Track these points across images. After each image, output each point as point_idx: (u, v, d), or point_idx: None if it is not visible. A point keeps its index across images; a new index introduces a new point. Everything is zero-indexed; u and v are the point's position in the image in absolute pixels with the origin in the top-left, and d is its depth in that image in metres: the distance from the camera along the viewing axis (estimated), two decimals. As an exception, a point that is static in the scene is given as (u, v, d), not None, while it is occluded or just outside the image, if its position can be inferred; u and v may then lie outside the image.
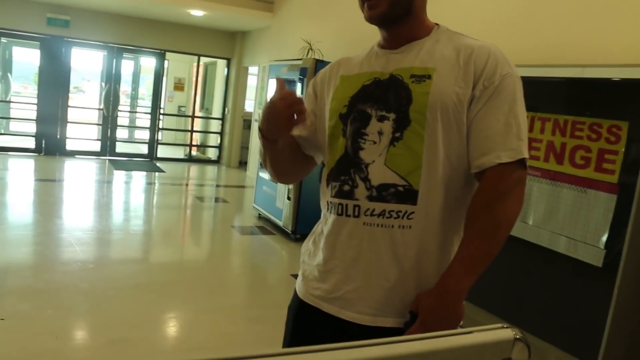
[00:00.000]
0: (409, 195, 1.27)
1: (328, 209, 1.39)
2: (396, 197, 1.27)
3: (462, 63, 1.27)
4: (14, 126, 12.11)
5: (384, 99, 1.31)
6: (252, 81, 10.98)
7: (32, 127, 10.22)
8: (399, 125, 1.28)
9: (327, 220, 1.39)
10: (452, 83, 1.26)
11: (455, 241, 1.34)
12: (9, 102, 11.46)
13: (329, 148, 1.41)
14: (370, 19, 1.34)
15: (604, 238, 2.71)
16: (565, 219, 2.92)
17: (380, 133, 1.29)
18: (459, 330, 0.63)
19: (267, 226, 6.47)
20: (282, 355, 0.51)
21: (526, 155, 1.24)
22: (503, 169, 1.22)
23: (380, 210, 1.28)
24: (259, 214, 6.81)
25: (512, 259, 3.26)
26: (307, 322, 1.43)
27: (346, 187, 1.33)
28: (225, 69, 11.42)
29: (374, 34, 1.45)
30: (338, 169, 1.36)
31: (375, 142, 1.30)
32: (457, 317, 1.23)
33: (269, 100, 1.33)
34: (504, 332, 0.64)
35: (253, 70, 10.69)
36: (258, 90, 9.63)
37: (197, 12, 9.11)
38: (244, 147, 10.93)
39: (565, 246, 2.89)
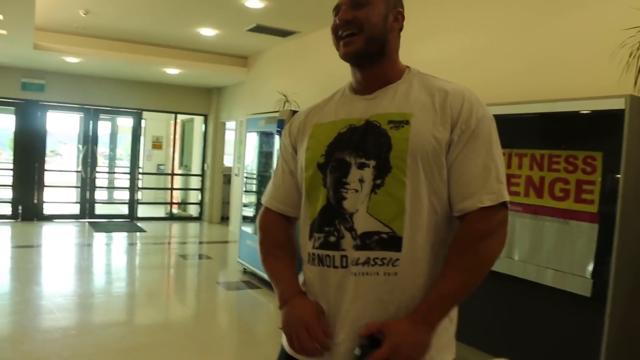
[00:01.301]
0: (392, 242, 1.26)
1: (311, 260, 1.36)
2: (380, 245, 1.26)
3: (438, 107, 1.28)
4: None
5: (363, 145, 1.30)
6: (229, 136, 11.04)
7: (8, 193, 10.08)
8: (379, 172, 1.27)
9: (311, 272, 1.37)
10: (430, 127, 1.26)
11: None
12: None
13: (307, 199, 1.39)
14: (345, 56, 1.35)
15: (590, 267, 2.72)
16: (550, 252, 2.93)
17: (361, 181, 1.28)
18: None
19: (253, 280, 6.38)
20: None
21: (507, 199, 1.26)
22: (486, 212, 1.24)
23: (365, 259, 1.27)
24: (244, 269, 6.72)
25: (500, 295, 3.24)
26: None
27: (332, 238, 1.31)
28: (203, 125, 11.49)
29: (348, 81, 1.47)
30: (321, 220, 1.34)
31: (357, 191, 1.28)
32: (427, 346, 1.24)
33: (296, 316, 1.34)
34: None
35: (230, 125, 10.76)
36: (236, 145, 9.67)
37: (172, 71, 9.22)
38: (225, 203, 10.88)
39: (553, 278, 2.89)
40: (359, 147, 1.30)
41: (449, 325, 1.35)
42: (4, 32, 6.66)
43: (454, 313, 1.36)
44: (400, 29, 1.39)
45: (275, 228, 1.51)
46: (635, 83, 2.60)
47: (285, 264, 1.46)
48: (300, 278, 1.45)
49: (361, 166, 1.29)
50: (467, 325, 1.43)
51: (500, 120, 1.34)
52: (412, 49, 1.44)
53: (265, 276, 6.02)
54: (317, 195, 1.35)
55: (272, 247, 1.50)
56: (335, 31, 1.37)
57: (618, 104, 2.59)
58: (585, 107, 2.90)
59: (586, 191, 2.75)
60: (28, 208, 9.98)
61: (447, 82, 1.35)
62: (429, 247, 1.28)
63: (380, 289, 1.27)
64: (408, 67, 1.41)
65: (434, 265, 1.29)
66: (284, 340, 1.45)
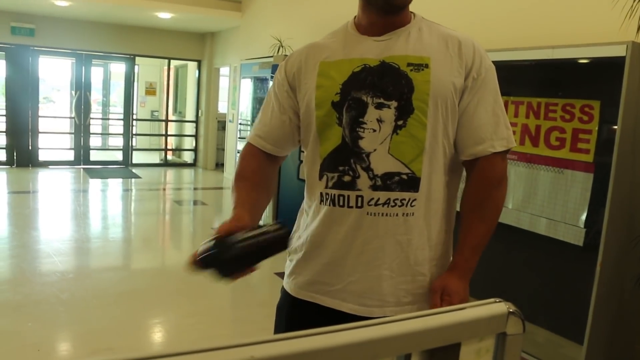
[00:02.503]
0: (412, 182, 1.28)
1: (323, 200, 1.34)
2: (400, 185, 1.28)
3: (453, 54, 1.30)
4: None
5: (380, 85, 1.29)
6: (224, 82, 10.90)
7: (1, 140, 10.01)
8: (401, 113, 1.28)
9: (320, 213, 1.35)
10: (448, 73, 1.29)
11: (448, 227, 1.38)
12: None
13: (319, 138, 1.36)
14: (394, 2, 1.30)
15: (583, 217, 2.74)
16: (544, 201, 2.95)
17: (380, 121, 1.28)
18: (452, 307, 0.62)
19: (247, 226, 6.43)
20: (278, 341, 0.50)
21: (515, 144, 1.34)
22: (496, 157, 1.31)
23: (385, 199, 1.28)
24: (239, 215, 6.76)
25: (494, 243, 3.28)
26: (303, 319, 1.40)
27: (347, 178, 1.30)
28: (197, 71, 11.32)
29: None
30: (335, 159, 1.32)
31: (375, 130, 1.28)
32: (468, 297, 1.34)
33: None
34: (497, 307, 0.63)
35: (224, 71, 10.62)
36: (230, 91, 9.57)
37: (164, 15, 9.01)
38: (220, 149, 10.86)
39: (546, 227, 2.92)
40: (376, 87, 1.29)
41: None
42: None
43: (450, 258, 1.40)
44: None
45: (246, 161, 1.48)
46: (639, 30, 2.54)
47: (241, 195, 1.39)
48: (301, 222, 1.44)
49: (379, 106, 1.29)
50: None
51: (497, 67, 1.35)
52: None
53: (260, 222, 6.04)
54: (330, 134, 1.33)
55: (236, 181, 1.46)
56: None
57: (619, 51, 2.55)
58: (584, 54, 2.85)
59: (582, 140, 2.74)
60: (23, 154, 9.94)
61: (451, 29, 1.37)
62: (442, 188, 1.32)
63: (398, 229, 1.28)
64: (412, 12, 1.39)
65: (445, 205, 1.34)
66: (286, 284, 1.45)
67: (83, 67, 10.39)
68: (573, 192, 2.79)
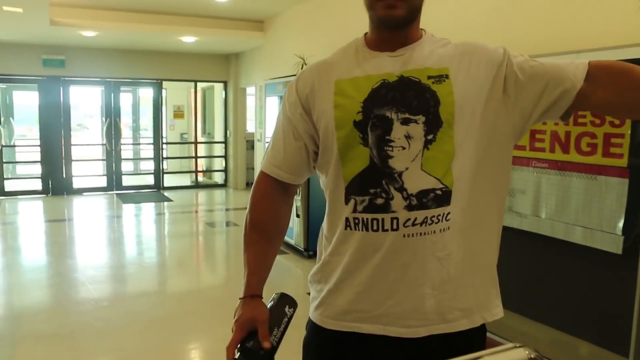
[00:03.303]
0: (445, 197, 1.23)
1: (353, 225, 1.28)
2: (436, 202, 1.23)
3: (471, 60, 1.27)
4: (20, 169, 12.18)
5: (403, 100, 1.25)
6: (250, 101, 10.98)
7: (37, 169, 10.27)
8: (430, 128, 1.23)
9: (351, 239, 1.29)
10: (466, 80, 1.26)
11: (489, 235, 1.32)
12: (14, 146, 11.53)
13: (341, 160, 1.30)
14: (385, 18, 1.26)
15: (621, 224, 2.64)
16: (578, 209, 2.85)
17: (408, 137, 1.23)
18: (468, 356, 0.58)
19: (279, 245, 6.41)
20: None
21: None
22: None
23: (423, 219, 1.22)
24: (270, 234, 6.75)
25: (529, 254, 3.19)
26: (337, 352, 1.36)
27: (380, 201, 1.24)
28: (223, 92, 11.44)
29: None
30: (364, 181, 1.27)
31: (404, 148, 1.23)
32: None
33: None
34: (517, 353, 0.58)
35: (251, 90, 10.70)
36: (257, 110, 9.62)
37: (188, 39, 9.14)
38: (250, 169, 10.91)
39: (582, 236, 2.82)
40: (398, 102, 1.25)
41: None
42: (19, 9, 6.65)
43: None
44: None
45: (263, 204, 1.45)
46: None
47: (256, 252, 1.43)
48: (324, 248, 1.39)
49: (405, 121, 1.24)
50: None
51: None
52: (428, 6, 1.36)
53: (290, 241, 6.05)
54: (354, 156, 1.28)
55: (251, 230, 1.45)
56: None
57: (648, 52, 2.46)
58: (612, 57, 2.76)
59: (615, 145, 2.65)
60: (57, 182, 10.17)
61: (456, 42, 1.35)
62: (477, 196, 1.27)
63: (436, 246, 1.24)
64: (422, 29, 1.36)
65: (484, 213, 1.29)
66: (315, 317, 1.41)
67: (112, 94, 10.63)
68: (608, 199, 2.69)
